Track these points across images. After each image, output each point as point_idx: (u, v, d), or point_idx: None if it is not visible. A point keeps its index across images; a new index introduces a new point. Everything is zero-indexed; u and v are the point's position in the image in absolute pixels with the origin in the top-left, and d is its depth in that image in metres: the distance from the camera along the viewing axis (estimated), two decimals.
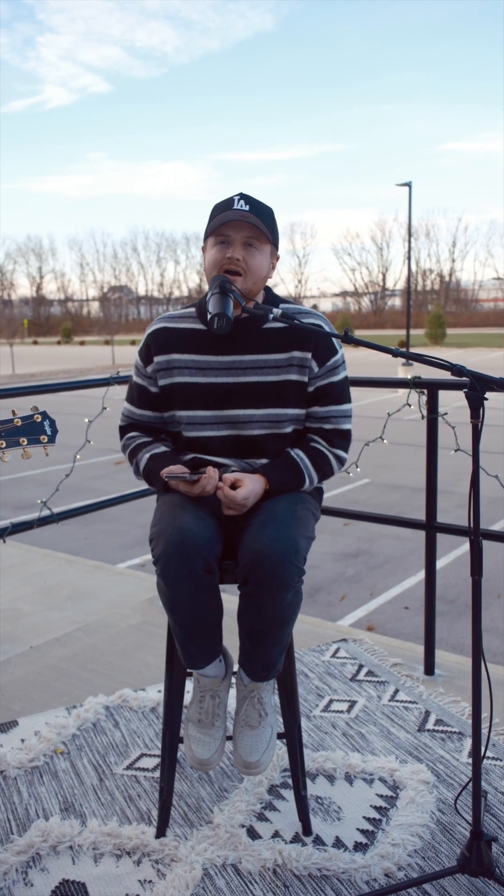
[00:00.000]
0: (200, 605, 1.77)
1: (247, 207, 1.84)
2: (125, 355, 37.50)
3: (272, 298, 1.98)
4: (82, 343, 57.28)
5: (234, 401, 1.90)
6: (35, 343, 60.58)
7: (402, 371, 21.15)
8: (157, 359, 1.96)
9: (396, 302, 73.00)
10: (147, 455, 1.95)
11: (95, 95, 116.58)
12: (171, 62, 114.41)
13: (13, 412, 1.73)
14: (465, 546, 5.78)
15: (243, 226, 1.84)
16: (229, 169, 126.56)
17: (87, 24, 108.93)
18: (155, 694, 2.71)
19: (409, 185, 26.34)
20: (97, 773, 2.27)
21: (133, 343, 53.40)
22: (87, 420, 3.12)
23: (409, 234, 27.33)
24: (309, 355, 1.89)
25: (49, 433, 1.74)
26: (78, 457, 3.11)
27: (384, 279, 74.12)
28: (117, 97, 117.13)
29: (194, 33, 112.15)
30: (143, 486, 5.32)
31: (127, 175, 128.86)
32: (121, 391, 2.47)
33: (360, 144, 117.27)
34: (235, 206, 1.84)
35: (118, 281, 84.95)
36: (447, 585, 4.99)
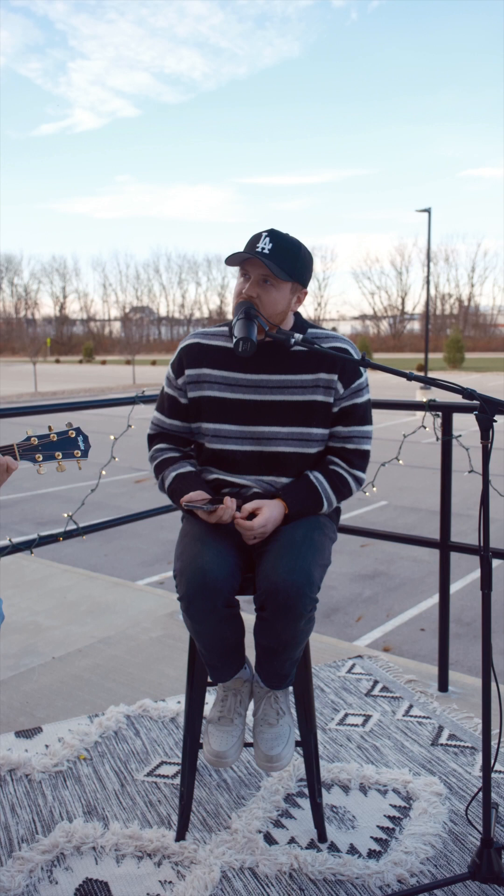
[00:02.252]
0: (223, 634, 1.88)
1: (269, 246, 1.90)
2: (146, 375, 37.83)
3: (300, 323, 2.06)
4: (104, 362, 57.88)
5: (260, 417, 1.99)
6: (57, 361, 61.27)
7: (420, 395, 21.18)
8: (188, 371, 2.05)
9: (415, 326, 73.18)
10: (173, 474, 2.04)
11: (124, 120, 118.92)
12: (199, 88, 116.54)
13: (49, 427, 1.84)
14: None
15: (262, 263, 1.92)
16: (253, 193, 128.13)
17: (118, 50, 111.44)
18: (174, 705, 2.79)
19: (428, 210, 26.54)
20: (119, 778, 2.34)
21: (154, 363, 53.84)
22: (112, 437, 3.23)
23: (429, 260, 27.49)
24: (336, 377, 1.97)
25: (82, 448, 1.85)
26: (103, 472, 3.22)
27: (403, 303, 74.36)
28: (145, 121, 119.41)
29: (223, 60, 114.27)
30: (166, 501, 5.41)
31: (153, 197, 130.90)
32: (145, 410, 2.57)
33: (382, 169, 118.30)
34: (259, 244, 1.92)
35: (140, 301, 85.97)
36: (464, 608, 5.01)
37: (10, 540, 2.87)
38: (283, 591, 1.76)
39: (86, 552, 6.41)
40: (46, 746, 2.51)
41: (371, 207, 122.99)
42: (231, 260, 1.94)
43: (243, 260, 1.94)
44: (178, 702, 2.81)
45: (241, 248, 1.98)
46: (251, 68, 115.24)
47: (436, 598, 5.21)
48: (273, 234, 1.93)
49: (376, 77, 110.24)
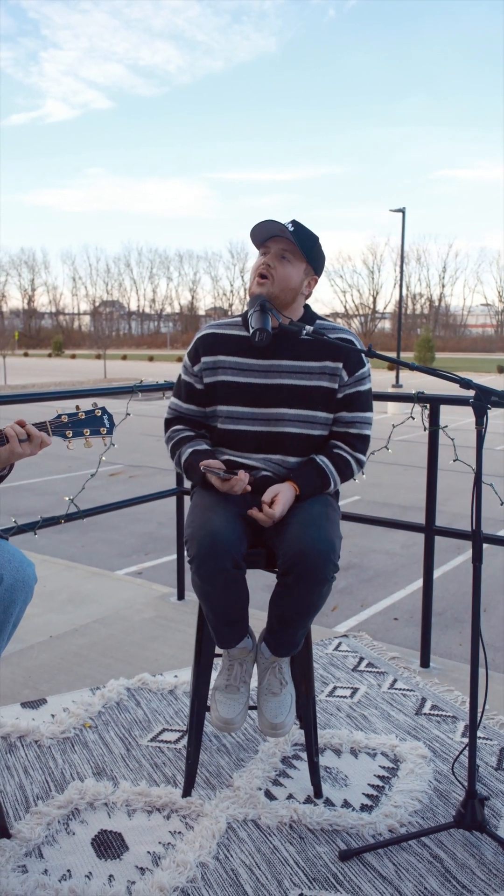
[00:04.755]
0: (230, 596, 2.02)
1: (291, 229, 2.12)
2: (117, 369, 37.69)
3: (310, 316, 2.24)
4: (73, 356, 57.50)
5: (269, 400, 2.16)
6: (26, 355, 60.69)
7: (392, 390, 21.50)
8: (204, 359, 2.22)
9: (386, 325, 73.95)
10: (190, 450, 2.19)
11: (97, 111, 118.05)
12: (173, 81, 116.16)
13: (77, 406, 1.97)
14: (454, 561, 6.03)
15: (281, 240, 2.14)
16: (226, 188, 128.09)
17: (92, 41, 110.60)
18: (172, 678, 2.93)
19: (402, 211, 26.89)
20: (124, 744, 2.48)
21: (125, 358, 53.63)
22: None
23: (402, 261, 27.86)
24: (340, 365, 2.14)
25: (108, 426, 1.99)
26: (103, 458, 3.34)
27: (375, 302, 75.10)
28: (118, 114, 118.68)
29: (198, 53, 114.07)
30: (162, 488, 5.50)
31: (124, 191, 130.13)
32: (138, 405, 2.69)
33: (355, 168, 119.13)
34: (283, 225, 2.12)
35: (110, 296, 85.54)
36: (436, 598, 5.17)
37: (14, 521, 2.98)
38: (310, 556, 1.91)
39: (62, 544, 6.48)
40: (52, 716, 2.64)
41: (344, 206, 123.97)
42: (255, 233, 2.13)
43: (266, 238, 2.13)
44: (176, 676, 2.96)
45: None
46: (227, 63, 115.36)
47: (408, 589, 5.42)
48: (295, 222, 2.14)
49: (352, 75, 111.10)
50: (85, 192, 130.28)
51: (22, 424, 1.86)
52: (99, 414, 1.98)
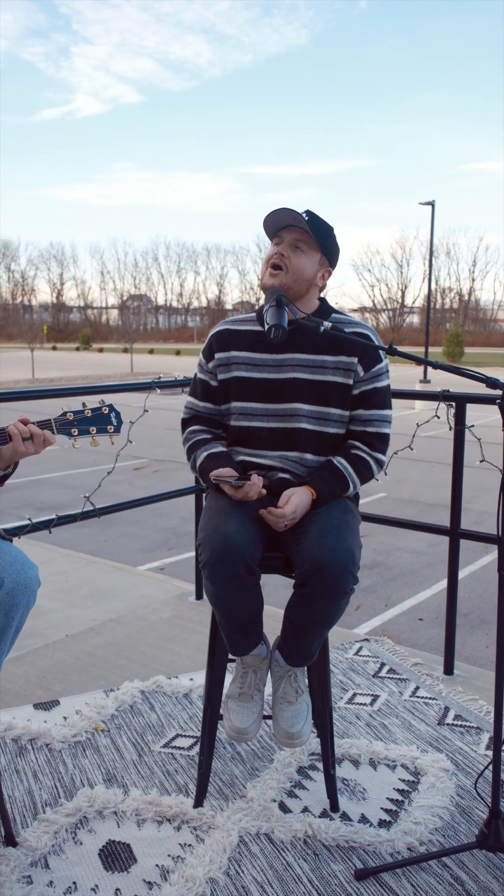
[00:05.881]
0: (244, 603, 1.94)
1: (306, 218, 2.04)
2: (144, 363, 37.80)
3: (325, 309, 2.16)
4: (101, 350, 57.84)
5: (283, 395, 2.08)
6: (54, 348, 61.17)
7: (419, 387, 21.27)
8: (218, 355, 2.16)
9: (415, 319, 73.29)
10: (205, 453, 2.12)
11: (127, 106, 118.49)
12: (203, 75, 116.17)
13: (83, 404, 1.91)
14: (480, 561, 5.90)
15: (295, 229, 2.07)
16: (254, 182, 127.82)
17: (123, 35, 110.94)
18: (187, 681, 2.86)
19: (432, 204, 26.53)
20: (136, 749, 2.42)
21: (152, 352, 53.80)
22: (130, 422, 3.29)
23: (431, 254, 27.50)
24: (355, 360, 2.06)
25: (115, 424, 1.92)
26: (123, 454, 3.28)
27: (403, 296, 74.38)
28: (148, 108, 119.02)
29: (228, 47, 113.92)
30: (186, 482, 5.43)
31: (152, 185, 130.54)
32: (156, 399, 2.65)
33: (384, 161, 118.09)
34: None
35: (138, 290, 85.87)
36: (462, 599, 5.10)
37: (29, 519, 2.93)
38: (329, 568, 1.83)
39: (84, 538, 6.47)
40: (65, 718, 2.59)
41: (373, 199, 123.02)
42: (268, 222, 2.06)
43: (279, 228, 2.07)
44: (191, 679, 2.89)
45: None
46: (257, 56, 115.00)
47: (434, 589, 5.31)
48: (309, 212, 2.07)
49: (382, 68, 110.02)
50: (114, 186, 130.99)
51: (25, 423, 1.81)
52: (106, 412, 1.91)
